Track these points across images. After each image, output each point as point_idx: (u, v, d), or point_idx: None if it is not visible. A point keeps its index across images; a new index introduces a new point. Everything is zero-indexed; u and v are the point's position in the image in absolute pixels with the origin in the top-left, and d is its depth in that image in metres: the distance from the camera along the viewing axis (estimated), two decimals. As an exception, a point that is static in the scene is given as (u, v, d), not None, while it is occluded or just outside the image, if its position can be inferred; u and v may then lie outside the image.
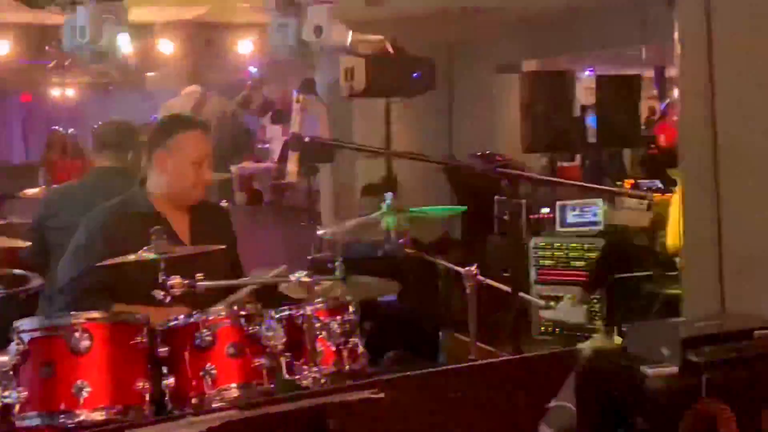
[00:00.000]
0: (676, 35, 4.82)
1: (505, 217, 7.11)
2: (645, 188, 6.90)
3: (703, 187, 4.77)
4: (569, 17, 7.98)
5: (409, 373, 3.10)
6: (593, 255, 6.43)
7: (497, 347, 4.50)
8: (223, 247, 3.40)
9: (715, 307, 4.68)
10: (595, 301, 6.28)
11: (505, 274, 7.01)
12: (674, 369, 3.42)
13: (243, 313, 3.02)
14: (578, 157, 10.22)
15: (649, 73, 10.52)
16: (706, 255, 4.77)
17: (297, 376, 3.05)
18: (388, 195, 3.59)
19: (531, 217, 7.05)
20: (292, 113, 5.96)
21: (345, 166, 8.43)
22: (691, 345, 3.44)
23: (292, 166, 3.60)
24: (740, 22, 4.63)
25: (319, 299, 3.18)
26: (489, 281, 3.64)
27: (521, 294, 3.68)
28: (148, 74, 11.20)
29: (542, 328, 6.49)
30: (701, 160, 4.75)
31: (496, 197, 7.08)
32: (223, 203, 4.89)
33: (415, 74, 6.98)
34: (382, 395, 2.65)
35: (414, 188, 8.11)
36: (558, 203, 6.83)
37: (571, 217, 6.81)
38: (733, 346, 3.49)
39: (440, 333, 5.39)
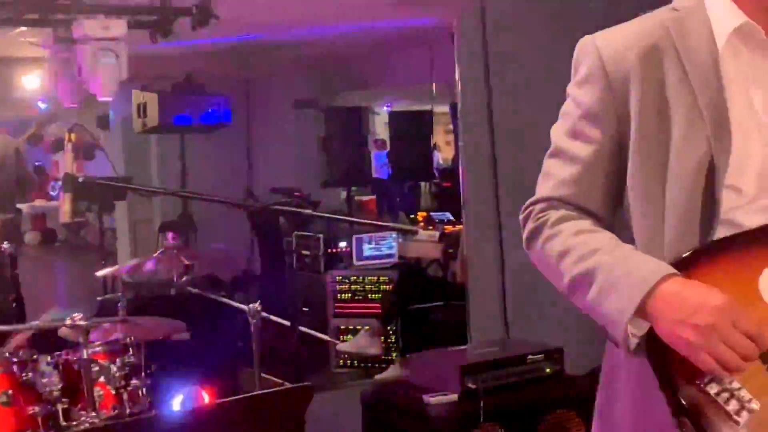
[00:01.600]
0: (457, 74, 5.04)
1: (304, 252, 7.17)
2: (437, 220, 7.10)
3: (485, 219, 4.97)
4: (364, 54, 8.17)
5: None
6: (388, 287, 6.54)
7: (290, 380, 4.52)
8: None
9: (499, 334, 4.88)
10: (390, 332, 6.38)
11: (305, 309, 7.12)
12: (453, 397, 3.54)
13: (15, 359, 2.93)
14: (375, 190, 10.42)
15: (443, 108, 10.86)
16: (490, 284, 4.97)
17: (74, 423, 2.98)
18: (168, 235, 3.57)
19: (329, 251, 7.11)
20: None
21: (142, 202, 8.28)
22: (469, 372, 3.58)
23: (65, 206, 3.52)
24: (516, 61, 4.87)
25: (98, 342, 3.12)
26: (271, 317, 3.67)
27: (302, 328, 3.71)
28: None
29: (340, 361, 6.54)
30: (483, 193, 4.95)
31: (294, 232, 7.11)
32: (5, 246, 4.71)
33: (210, 110, 6.96)
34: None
35: (213, 224, 8.05)
36: (354, 237, 6.92)
37: (367, 251, 6.91)
38: (509, 372, 3.66)
39: (237, 368, 5.35)
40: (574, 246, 1.65)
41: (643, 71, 1.66)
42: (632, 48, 1.68)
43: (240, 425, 2.21)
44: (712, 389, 1.53)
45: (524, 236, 1.77)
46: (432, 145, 8.40)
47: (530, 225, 1.75)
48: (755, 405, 1.52)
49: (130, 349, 3.17)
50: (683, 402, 1.54)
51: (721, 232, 1.61)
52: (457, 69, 4.97)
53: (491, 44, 4.91)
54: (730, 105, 1.62)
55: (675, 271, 1.56)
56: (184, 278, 3.74)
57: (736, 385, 1.53)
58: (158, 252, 3.64)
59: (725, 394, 1.53)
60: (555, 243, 1.68)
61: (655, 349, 1.58)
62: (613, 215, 1.75)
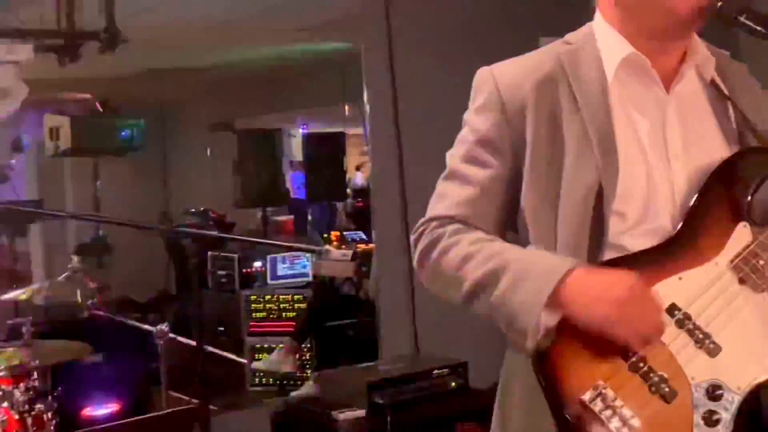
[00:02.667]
0: (365, 95, 5.05)
1: (219, 272, 7.11)
2: (350, 239, 7.09)
3: (395, 238, 4.99)
4: (278, 77, 8.15)
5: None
6: (303, 305, 6.52)
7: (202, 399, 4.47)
8: None
9: (409, 349, 4.88)
10: (305, 349, 6.36)
11: (221, 328, 7.05)
12: (361, 412, 3.53)
13: None
14: (293, 210, 10.38)
15: (358, 130, 10.88)
16: (400, 301, 4.97)
17: (-23, 449, 2.90)
18: (74, 258, 3.49)
19: (244, 271, 7.06)
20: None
21: (56, 225, 8.12)
22: (376, 388, 3.58)
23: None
24: (422, 84, 4.91)
25: (0, 367, 3.04)
26: (178, 337, 3.62)
27: (210, 348, 3.66)
28: None
29: (256, 379, 6.48)
30: (392, 213, 4.97)
31: (209, 253, 7.04)
32: None
33: (123, 133, 6.85)
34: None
35: (128, 247, 7.93)
36: (269, 256, 6.89)
37: (281, 270, 6.89)
38: (415, 387, 3.66)
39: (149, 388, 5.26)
40: (477, 251, 1.65)
41: (538, 101, 1.68)
42: (528, 79, 1.70)
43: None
44: (596, 406, 1.55)
45: (417, 254, 1.74)
46: (346, 165, 8.39)
47: (425, 241, 1.73)
48: (636, 422, 1.54)
49: (35, 373, 3.08)
50: (569, 419, 1.55)
51: (608, 256, 1.63)
52: (365, 92, 4.99)
53: (398, 68, 4.94)
54: (617, 133, 1.65)
55: (579, 262, 1.59)
56: (90, 301, 3.65)
57: (618, 402, 1.55)
58: (63, 275, 3.56)
59: (608, 411, 1.55)
60: (454, 252, 1.67)
61: (543, 367, 1.59)
62: (504, 238, 1.75)
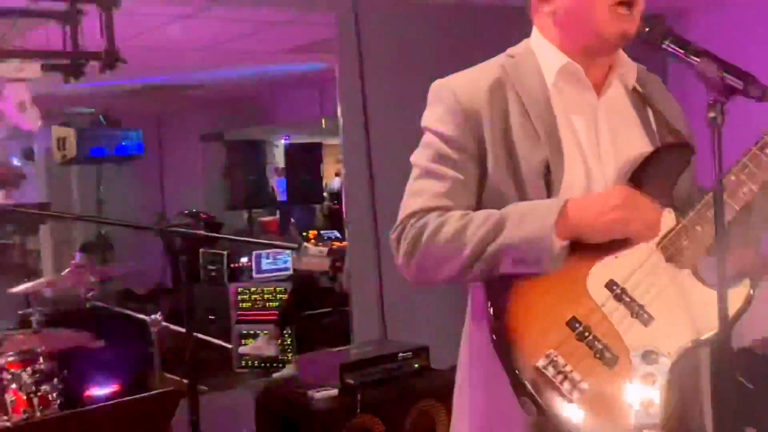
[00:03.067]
0: (339, 110, 5.04)
1: (210, 267, 7.07)
2: (326, 237, 7.08)
3: (365, 236, 4.98)
4: (262, 93, 8.12)
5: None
6: (284, 296, 6.50)
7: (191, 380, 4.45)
8: None
9: (378, 335, 4.88)
10: (286, 335, 6.34)
11: (211, 317, 7.01)
12: (334, 391, 3.52)
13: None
14: (277, 211, 10.35)
15: (336, 141, 10.86)
16: (370, 292, 4.97)
17: (-12, 426, 2.85)
18: (77, 255, 3.45)
19: (232, 266, 7.03)
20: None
21: (64, 225, 8.05)
22: (348, 370, 3.57)
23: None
24: (390, 100, 4.91)
25: (10, 352, 3.00)
26: (170, 326, 3.59)
27: (200, 335, 3.63)
28: None
29: (242, 362, 6.45)
30: (363, 212, 4.96)
31: (201, 249, 7.00)
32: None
33: (123, 143, 6.80)
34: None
35: (129, 244, 7.87)
36: (254, 253, 6.87)
37: (265, 265, 6.88)
38: (382, 368, 3.66)
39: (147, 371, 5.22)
40: (469, 221, 1.63)
41: (491, 104, 1.70)
42: (480, 86, 1.72)
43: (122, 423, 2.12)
44: (549, 372, 1.57)
45: (403, 248, 1.68)
46: (323, 172, 8.38)
47: (410, 233, 1.68)
48: (584, 385, 1.56)
49: (41, 358, 3.04)
50: (525, 383, 1.56)
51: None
52: (339, 107, 4.99)
53: (368, 85, 4.95)
54: (561, 133, 1.69)
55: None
56: (90, 293, 3.61)
57: (568, 368, 1.57)
58: (66, 270, 3.52)
59: (560, 376, 1.56)
60: (448, 227, 1.64)
61: (500, 338, 1.60)
62: None
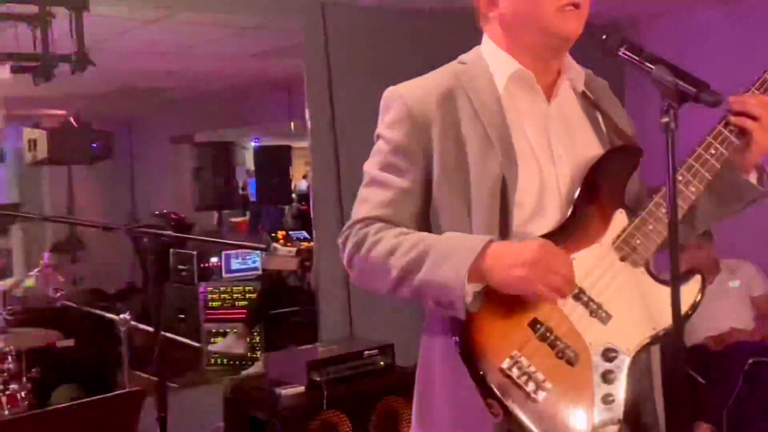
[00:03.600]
0: (307, 113, 5.03)
1: (180, 267, 7.00)
2: (294, 238, 7.03)
3: (332, 237, 4.95)
4: (232, 96, 8.06)
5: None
6: (253, 296, 6.47)
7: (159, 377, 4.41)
8: None
9: (345, 333, 4.87)
10: (255, 334, 6.30)
11: (181, 316, 6.95)
12: (301, 388, 3.51)
13: None
14: (247, 212, 10.28)
15: (304, 144, 10.81)
16: (337, 292, 4.96)
17: (-44, 425, 2.79)
18: (45, 255, 3.40)
19: (202, 265, 6.96)
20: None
21: (35, 225, 7.92)
22: (314, 367, 3.55)
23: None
24: (355, 104, 4.90)
25: (-22, 353, 2.94)
26: (139, 325, 3.55)
27: (168, 334, 3.59)
28: None
29: (212, 360, 6.40)
30: (330, 213, 4.95)
31: (171, 249, 6.93)
32: None
33: (93, 144, 6.69)
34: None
35: (99, 244, 7.77)
36: (224, 253, 6.82)
37: (234, 265, 6.84)
38: (348, 366, 3.65)
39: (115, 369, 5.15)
40: (400, 242, 1.63)
41: (441, 112, 1.68)
42: (431, 94, 1.70)
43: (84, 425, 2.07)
44: (514, 373, 1.56)
45: (345, 255, 1.71)
46: (291, 174, 8.34)
47: (351, 242, 1.69)
48: (548, 384, 1.56)
49: (9, 357, 2.99)
50: (491, 386, 1.56)
51: (514, 242, 1.63)
52: (307, 110, 4.98)
53: (335, 90, 4.95)
54: (513, 137, 1.67)
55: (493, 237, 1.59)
56: (59, 293, 3.55)
57: (532, 368, 1.56)
58: (35, 270, 3.46)
59: (524, 377, 1.56)
60: (380, 246, 1.64)
61: (464, 341, 1.59)
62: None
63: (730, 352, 4.26)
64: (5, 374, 2.93)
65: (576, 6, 1.64)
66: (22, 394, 2.98)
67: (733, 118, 1.67)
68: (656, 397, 1.68)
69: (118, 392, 2.40)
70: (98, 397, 2.18)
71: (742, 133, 1.67)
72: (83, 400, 2.37)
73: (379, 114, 1.77)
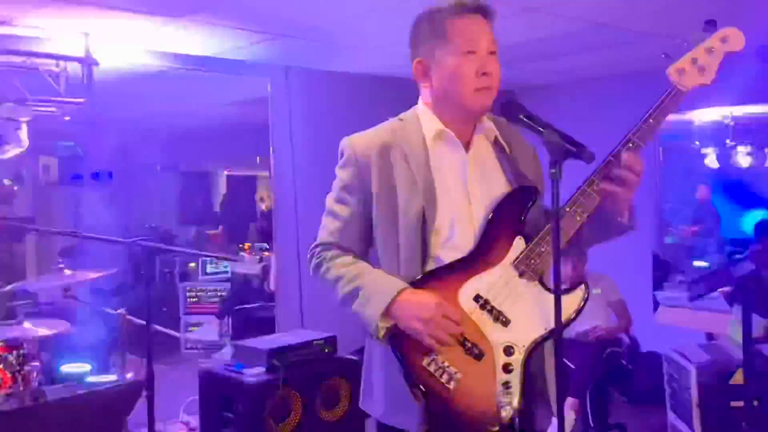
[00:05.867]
0: (271, 150, 5.01)
1: (165, 270, 6.87)
2: (258, 248, 6.96)
3: (289, 248, 4.94)
4: (211, 135, 7.95)
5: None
6: (224, 294, 6.39)
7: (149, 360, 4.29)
8: None
9: (298, 325, 4.83)
10: (224, 325, 6.20)
11: (165, 309, 6.79)
12: (262, 370, 3.45)
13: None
14: (220, 226, 10.12)
15: (265, 173, 10.71)
16: (292, 292, 4.93)
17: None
18: (58, 258, 3.27)
19: (183, 269, 6.85)
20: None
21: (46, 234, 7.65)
22: (273, 353, 3.50)
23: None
24: (311, 144, 4.90)
25: (-1, 339, 2.82)
26: (133, 318, 3.45)
27: (156, 326, 3.50)
28: None
29: (189, 345, 6.26)
30: (288, 229, 4.93)
31: (157, 256, 6.77)
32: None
33: (97, 171, 6.53)
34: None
35: (100, 250, 7.53)
36: (201, 259, 6.74)
37: (209, 269, 6.76)
38: (300, 352, 3.60)
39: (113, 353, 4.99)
40: (343, 274, 1.68)
41: (379, 160, 1.70)
42: (373, 144, 1.72)
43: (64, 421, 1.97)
44: (431, 367, 1.59)
45: (311, 267, 1.78)
46: (257, 198, 8.29)
47: (314, 261, 1.76)
48: (459, 375, 1.59)
49: (24, 343, 2.87)
50: (414, 376, 1.59)
51: (431, 265, 1.66)
52: (271, 148, 4.98)
53: (294, 133, 4.95)
54: (435, 181, 1.69)
55: (407, 285, 1.62)
56: (67, 291, 3.43)
57: (446, 364, 1.59)
58: (49, 271, 3.34)
59: (440, 370, 1.59)
60: (331, 273, 1.70)
61: (396, 341, 1.63)
62: (367, 252, 1.76)
63: (592, 344, 4.36)
64: (21, 357, 2.81)
65: (488, 88, 1.68)
66: (34, 374, 2.87)
67: (603, 184, 1.65)
68: (547, 375, 1.70)
69: (118, 384, 2.32)
70: (98, 387, 2.09)
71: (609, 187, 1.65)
72: (82, 392, 2.28)
73: (339, 156, 1.78)
